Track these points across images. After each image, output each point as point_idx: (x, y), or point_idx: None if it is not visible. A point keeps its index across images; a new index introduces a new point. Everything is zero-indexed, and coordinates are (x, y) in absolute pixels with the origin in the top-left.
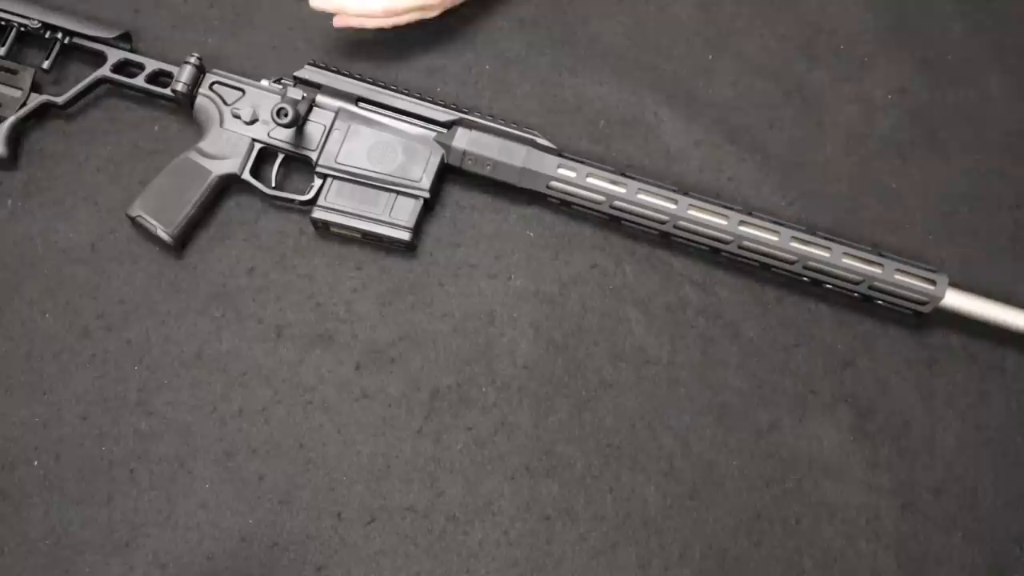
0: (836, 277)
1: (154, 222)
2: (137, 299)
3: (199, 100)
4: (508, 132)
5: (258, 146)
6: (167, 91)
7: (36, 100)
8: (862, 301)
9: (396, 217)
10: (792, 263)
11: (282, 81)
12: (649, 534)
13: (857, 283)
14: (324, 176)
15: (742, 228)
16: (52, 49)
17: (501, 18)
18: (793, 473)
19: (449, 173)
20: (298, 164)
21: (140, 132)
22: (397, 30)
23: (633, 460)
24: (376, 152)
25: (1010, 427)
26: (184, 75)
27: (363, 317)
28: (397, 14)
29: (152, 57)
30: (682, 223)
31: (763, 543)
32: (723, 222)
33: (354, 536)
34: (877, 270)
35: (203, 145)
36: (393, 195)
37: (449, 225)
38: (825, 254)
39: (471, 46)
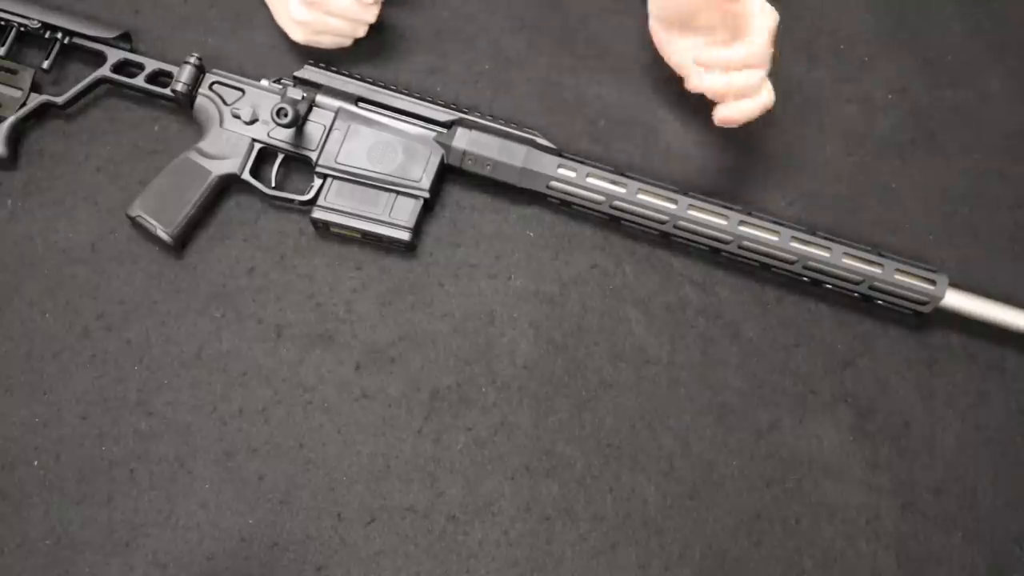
0: (836, 277)
1: (154, 222)
2: (137, 299)
3: (199, 100)
4: (508, 132)
5: (258, 146)
6: (167, 91)
7: (36, 100)
8: (862, 301)
9: (396, 217)
10: (792, 263)
11: (282, 81)
12: (649, 534)
13: (857, 283)
14: (324, 176)
15: (742, 228)
16: (52, 49)
17: (501, 18)
18: (793, 473)
19: (449, 173)
20: (298, 164)
21: (140, 132)
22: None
23: (633, 460)
24: (376, 152)
25: (1010, 427)
26: (184, 75)
27: (363, 317)
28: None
29: (152, 57)
30: (682, 223)
31: (763, 543)
32: (723, 222)
33: (354, 536)
34: (877, 270)
35: (203, 145)
36: (393, 195)
37: (449, 225)
38: (825, 254)
39: (471, 46)
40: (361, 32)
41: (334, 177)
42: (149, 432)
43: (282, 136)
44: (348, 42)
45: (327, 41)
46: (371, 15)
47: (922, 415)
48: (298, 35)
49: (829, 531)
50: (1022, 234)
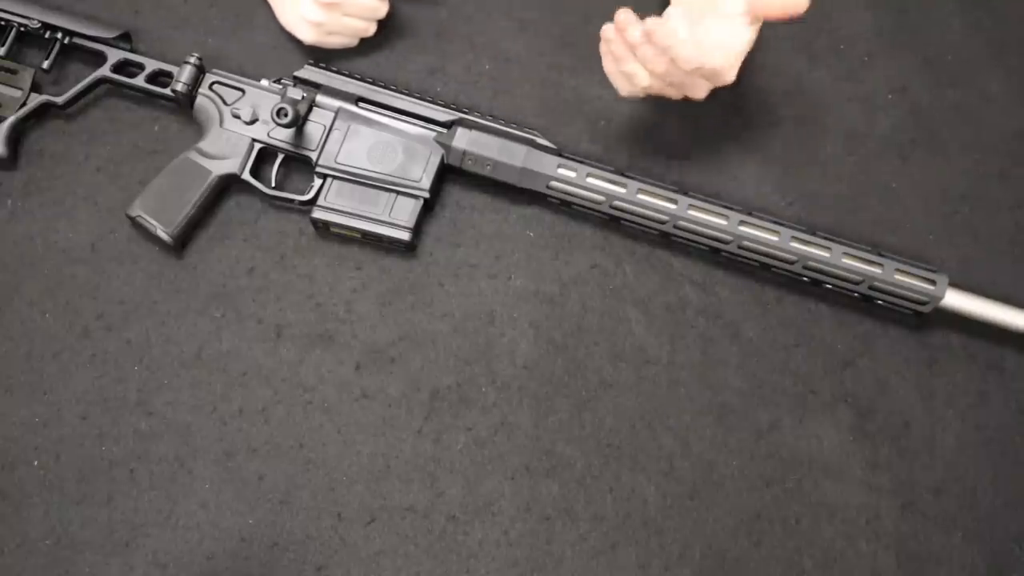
0: (836, 277)
1: (154, 222)
2: (137, 299)
3: (199, 100)
4: (508, 132)
5: (258, 146)
6: (167, 91)
7: (36, 100)
8: (862, 301)
9: (396, 217)
10: (792, 263)
11: (282, 81)
12: (649, 534)
13: (857, 283)
14: (324, 176)
15: (742, 228)
16: (52, 49)
17: (501, 18)
18: (793, 473)
19: (449, 173)
20: (298, 164)
21: (140, 132)
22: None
23: (633, 460)
24: (376, 152)
25: (1010, 427)
26: (184, 75)
27: (363, 317)
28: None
29: (152, 57)
30: (682, 223)
31: (763, 543)
32: (723, 222)
33: (354, 536)
34: (877, 270)
35: (203, 145)
36: (393, 195)
37: (449, 225)
38: (825, 254)
39: (471, 46)
40: (372, 31)
41: (334, 177)
42: (149, 432)
43: (282, 136)
44: (355, 42)
45: (337, 41)
46: (384, 9)
47: (922, 415)
48: (309, 35)
49: (829, 531)
50: (1022, 234)
